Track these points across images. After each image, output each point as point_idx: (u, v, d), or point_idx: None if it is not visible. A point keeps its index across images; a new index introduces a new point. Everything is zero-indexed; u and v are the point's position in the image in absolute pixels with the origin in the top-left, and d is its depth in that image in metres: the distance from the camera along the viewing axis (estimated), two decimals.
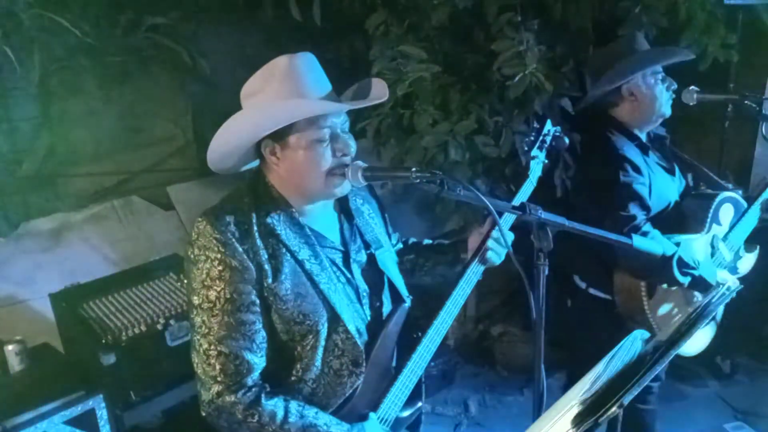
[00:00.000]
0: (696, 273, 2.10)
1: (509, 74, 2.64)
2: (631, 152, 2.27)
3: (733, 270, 2.39)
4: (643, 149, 2.33)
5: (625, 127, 2.33)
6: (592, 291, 2.40)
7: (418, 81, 2.69)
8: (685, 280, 2.09)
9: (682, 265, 2.06)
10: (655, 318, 2.18)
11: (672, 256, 2.05)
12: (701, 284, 2.13)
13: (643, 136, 2.37)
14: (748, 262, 2.43)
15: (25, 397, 2.03)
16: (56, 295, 2.43)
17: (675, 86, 2.32)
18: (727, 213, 2.36)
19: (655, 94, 2.29)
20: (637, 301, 2.20)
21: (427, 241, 1.92)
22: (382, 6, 2.81)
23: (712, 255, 2.31)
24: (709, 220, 2.30)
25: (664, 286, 2.19)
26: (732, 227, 2.36)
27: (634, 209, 2.16)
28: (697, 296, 2.23)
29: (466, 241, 1.78)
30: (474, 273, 1.67)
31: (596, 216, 2.15)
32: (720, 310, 2.37)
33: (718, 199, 2.33)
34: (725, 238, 2.35)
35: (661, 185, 2.31)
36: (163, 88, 3.21)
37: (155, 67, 3.07)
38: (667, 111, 2.33)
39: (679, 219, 2.32)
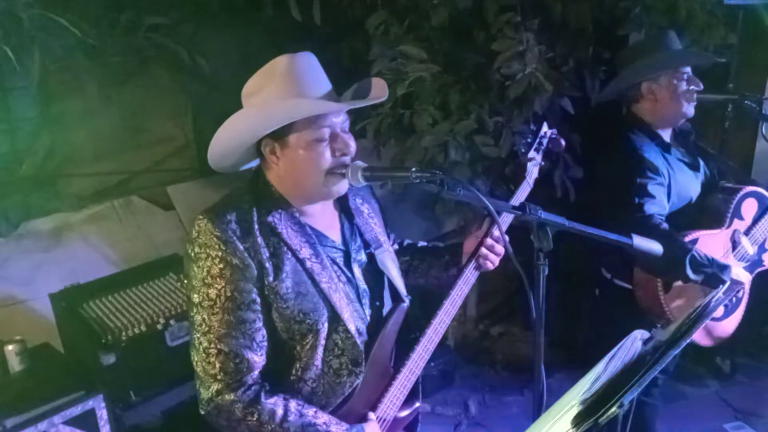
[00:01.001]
0: (709, 271, 2.10)
1: (509, 74, 2.64)
2: (651, 152, 2.26)
3: (759, 263, 2.38)
4: (665, 147, 2.32)
5: (647, 126, 2.33)
6: (616, 282, 2.41)
7: (418, 81, 2.69)
8: (698, 278, 2.09)
9: (695, 264, 2.06)
10: (671, 312, 2.19)
11: (685, 256, 2.06)
12: (715, 282, 2.12)
13: (666, 135, 2.36)
14: None
15: (25, 397, 2.03)
16: (56, 295, 2.43)
17: (701, 87, 2.29)
18: (750, 207, 2.35)
19: (676, 95, 2.27)
20: (654, 296, 2.21)
21: (422, 244, 1.92)
22: (382, 6, 2.81)
23: (734, 249, 2.30)
24: (730, 215, 2.29)
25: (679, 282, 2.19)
26: (755, 221, 2.35)
27: (650, 209, 2.16)
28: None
29: (461, 244, 1.78)
30: (471, 275, 1.68)
31: (612, 214, 2.15)
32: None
33: (740, 194, 2.32)
34: (747, 232, 2.34)
35: (681, 183, 2.31)
36: (163, 88, 3.21)
37: (155, 67, 3.07)
38: (689, 111, 2.32)
39: (700, 214, 2.32)
